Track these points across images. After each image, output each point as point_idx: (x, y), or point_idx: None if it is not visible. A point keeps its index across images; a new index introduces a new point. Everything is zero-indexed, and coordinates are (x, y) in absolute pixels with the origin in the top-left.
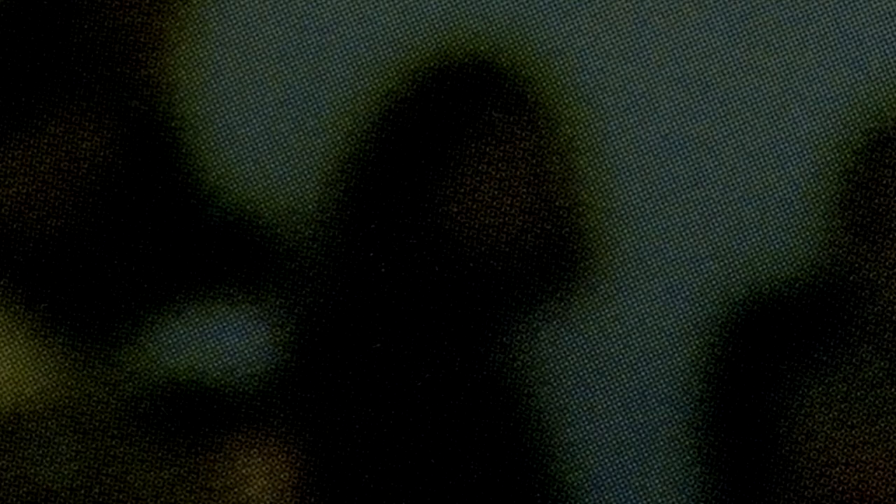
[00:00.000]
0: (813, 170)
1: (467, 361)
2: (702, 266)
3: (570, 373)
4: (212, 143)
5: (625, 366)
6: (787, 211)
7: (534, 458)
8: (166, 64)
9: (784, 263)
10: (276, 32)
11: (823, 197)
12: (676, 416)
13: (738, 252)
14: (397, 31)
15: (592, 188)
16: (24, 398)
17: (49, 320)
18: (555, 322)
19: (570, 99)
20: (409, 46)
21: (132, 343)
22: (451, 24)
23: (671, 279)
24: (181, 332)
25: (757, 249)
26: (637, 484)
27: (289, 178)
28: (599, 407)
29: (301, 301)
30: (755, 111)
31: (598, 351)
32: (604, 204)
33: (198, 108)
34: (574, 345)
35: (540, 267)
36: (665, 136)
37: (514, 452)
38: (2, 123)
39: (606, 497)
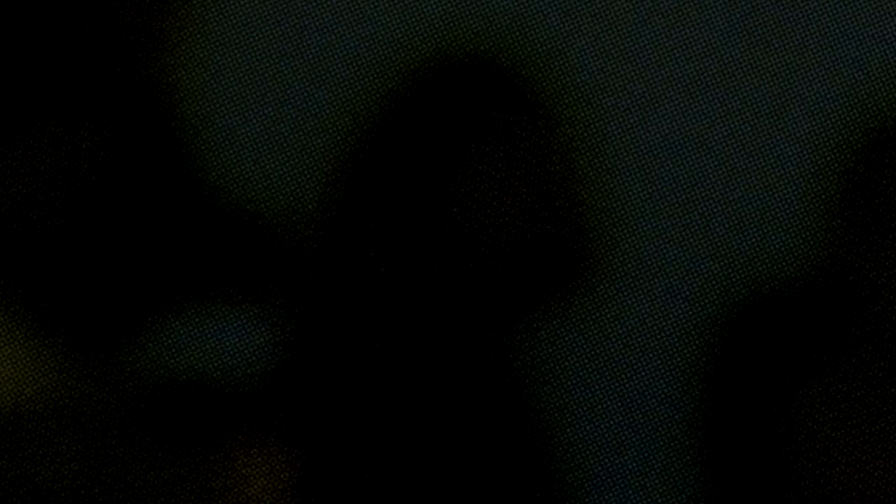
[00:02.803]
0: (813, 170)
1: (468, 361)
2: (702, 266)
3: (570, 373)
4: (212, 143)
5: (625, 366)
6: (787, 211)
7: (534, 458)
8: (166, 64)
9: (784, 263)
10: (276, 32)
11: (823, 197)
12: (676, 416)
13: (738, 252)
14: (397, 31)
15: (592, 188)
16: (24, 398)
17: (49, 320)
18: (555, 322)
19: (570, 99)
20: (409, 46)
21: (132, 343)
22: (451, 24)
23: (671, 279)
24: (181, 332)
25: (757, 249)
26: (637, 484)
27: (289, 178)
28: (599, 407)
29: (301, 301)
30: (755, 111)
31: (598, 351)
32: (604, 204)
33: (198, 108)
34: (574, 345)
35: (540, 267)
36: (665, 136)
37: (514, 452)
38: (2, 123)
39: (606, 497)
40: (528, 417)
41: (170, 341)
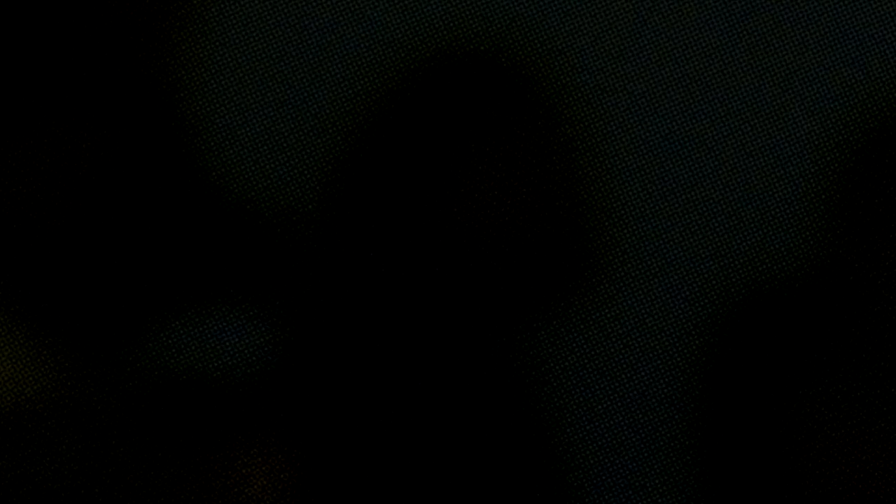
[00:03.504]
0: (813, 170)
1: (469, 361)
2: (702, 266)
3: (570, 373)
4: (212, 143)
5: (625, 366)
6: (787, 211)
7: (534, 458)
8: (167, 64)
9: (784, 263)
10: (276, 32)
11: (823, 197)
12: (676, 416)
13: (738, 252)
14: (397, 31)
15: (593, 188)
16: (24, 398)
17: (49, 320)
18: (555, 322)
19: (571, 99)
20: (409, 46)
21: (132, 343)
22: (451, 24)
23: (671, 279)
24: (181, 332)
25: (757, 249)
26: (637, 484)
27: (289, 178)
28: (600, 406)
29: (301, 301)
30: (755, 111)
31: (598, 351)
32: (605, 203)
33: (198, 108)
34: (574, 345)
35: (541, 267)
36: (665, 136)
37: (514, 452)
38: (2, 123)
39: (606, 497)
40: (528, 417)
41: (170, 341)
